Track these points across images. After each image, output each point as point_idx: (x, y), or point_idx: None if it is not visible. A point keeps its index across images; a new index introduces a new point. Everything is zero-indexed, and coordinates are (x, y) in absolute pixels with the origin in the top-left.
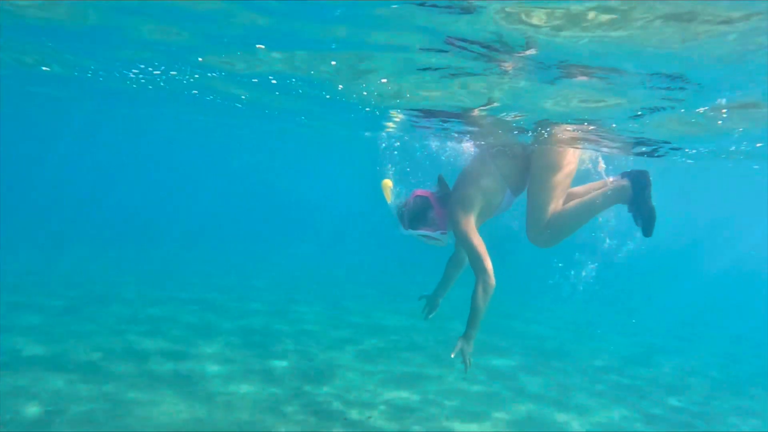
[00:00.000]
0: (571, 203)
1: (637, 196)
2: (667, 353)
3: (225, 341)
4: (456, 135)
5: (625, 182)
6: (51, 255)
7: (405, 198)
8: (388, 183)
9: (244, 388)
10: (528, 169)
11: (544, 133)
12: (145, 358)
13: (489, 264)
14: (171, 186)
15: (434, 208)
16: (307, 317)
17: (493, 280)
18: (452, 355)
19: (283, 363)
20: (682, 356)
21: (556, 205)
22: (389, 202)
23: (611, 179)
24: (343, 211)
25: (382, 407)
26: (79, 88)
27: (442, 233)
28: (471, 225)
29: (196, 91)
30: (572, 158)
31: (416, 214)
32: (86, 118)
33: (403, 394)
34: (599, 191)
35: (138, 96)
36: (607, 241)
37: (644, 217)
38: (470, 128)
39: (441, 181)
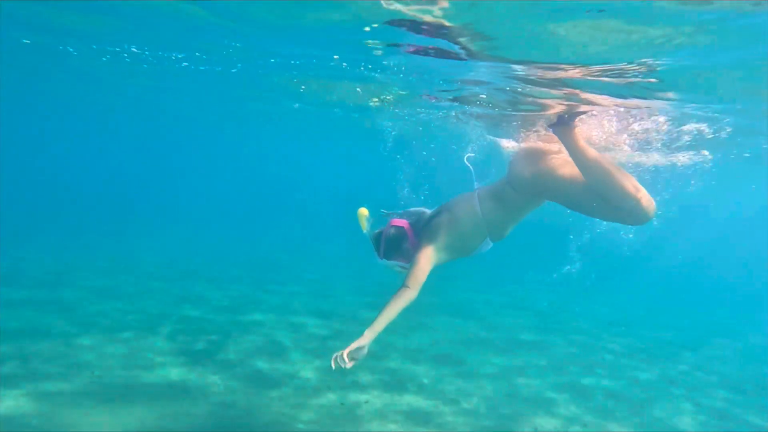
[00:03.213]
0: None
1: (557, 123)
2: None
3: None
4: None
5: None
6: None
7: (381, 227)
8: (363, 212)
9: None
10: (516, 218)
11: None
12: None
13: (418, 284)
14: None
15: (409, 239)
16: None
17: (413, 294)
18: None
19: None
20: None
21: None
22: (364, 230)
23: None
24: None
25: None
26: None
27: None
28: (428, 254)
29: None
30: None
31: (391, 245)
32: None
33: None
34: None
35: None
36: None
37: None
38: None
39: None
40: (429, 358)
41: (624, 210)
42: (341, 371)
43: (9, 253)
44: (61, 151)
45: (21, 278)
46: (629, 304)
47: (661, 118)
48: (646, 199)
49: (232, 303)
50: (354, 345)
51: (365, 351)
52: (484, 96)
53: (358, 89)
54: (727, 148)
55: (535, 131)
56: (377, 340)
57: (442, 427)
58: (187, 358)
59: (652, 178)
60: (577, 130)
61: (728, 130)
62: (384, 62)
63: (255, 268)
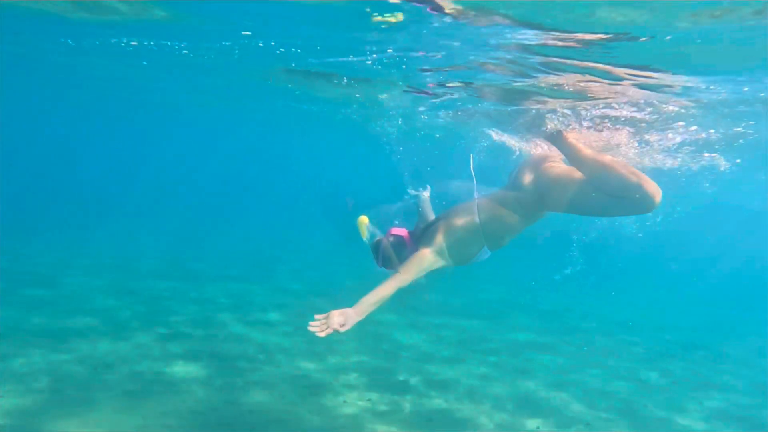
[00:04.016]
0: (578, 174)
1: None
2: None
3: None
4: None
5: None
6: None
7: (381, 235)
8: (364, 219)
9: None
10: (515, 229)
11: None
12: None
13: (410, 274)
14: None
15: (408, 248)
16: None
17: (405, 279)
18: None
19: None
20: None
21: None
22: (364, 239)
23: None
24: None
25: None
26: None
27: None
28: (425, 252)
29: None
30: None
31: (390, 253)
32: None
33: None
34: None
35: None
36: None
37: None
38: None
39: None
40: (431, 358)
41: (628, 199)
42: (328, 338)
43: (8, 249)
44: (60, 146)
45: (21, 275)
46: (634, 304)
47: (679, 123)
48: (648, 183)
49: (233, 301)
50: (336, 311)
51: (350, 322)
52: (488, 94)
53: (358, 95)
54: (740, 151)
55: (535, 130)
56: (380, 338)
57: (445, 426)
58: (189, 355)
59: (665, 178)
60: (567, 133)
61: (751, 133)
62: (389, 50)
63: (256, 266)
